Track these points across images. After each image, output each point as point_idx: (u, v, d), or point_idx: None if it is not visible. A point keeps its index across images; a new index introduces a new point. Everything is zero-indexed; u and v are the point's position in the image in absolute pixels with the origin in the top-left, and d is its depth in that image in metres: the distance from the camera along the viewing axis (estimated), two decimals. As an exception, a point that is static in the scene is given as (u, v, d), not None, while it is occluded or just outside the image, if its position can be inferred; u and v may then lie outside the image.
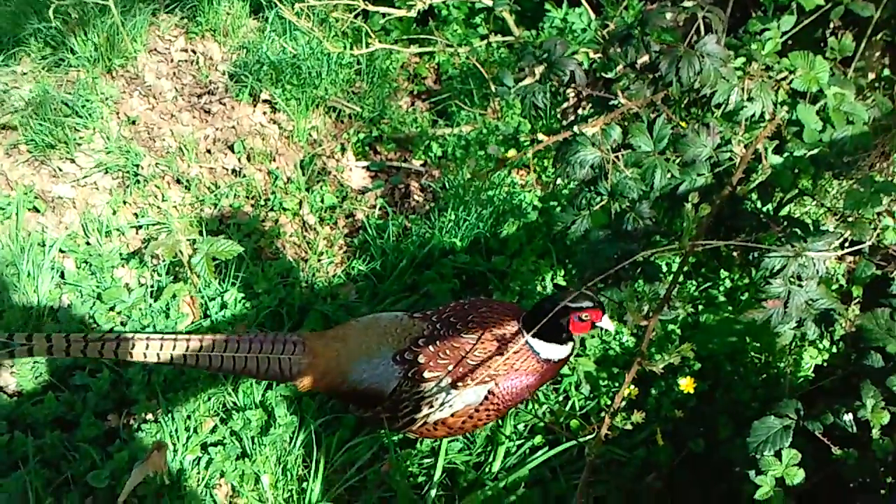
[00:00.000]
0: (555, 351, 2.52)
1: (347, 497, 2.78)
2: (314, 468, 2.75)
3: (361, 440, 2.87)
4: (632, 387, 2.81)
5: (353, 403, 2.65)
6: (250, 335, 2.60)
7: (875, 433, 2.07)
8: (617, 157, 2.39)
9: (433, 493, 2.74)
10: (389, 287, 3.41)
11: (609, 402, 2.91)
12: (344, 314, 3.27)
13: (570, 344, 2.56)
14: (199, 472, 2.79)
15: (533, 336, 2.47)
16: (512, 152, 2.71)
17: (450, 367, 2.49)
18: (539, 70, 2.60)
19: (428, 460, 2.83)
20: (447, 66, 4.63)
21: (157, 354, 2.43)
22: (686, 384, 2.75)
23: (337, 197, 3.93)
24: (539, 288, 3.31)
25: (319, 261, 3.63)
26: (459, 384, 2.48)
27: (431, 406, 2.50)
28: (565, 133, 2.46)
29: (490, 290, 3.33)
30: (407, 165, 4.18)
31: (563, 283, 3.29)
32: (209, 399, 2.96)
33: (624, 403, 2.65)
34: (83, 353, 2.38)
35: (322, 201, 3.89)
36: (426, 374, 2.50)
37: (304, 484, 2.77)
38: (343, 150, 4.23)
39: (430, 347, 2.51)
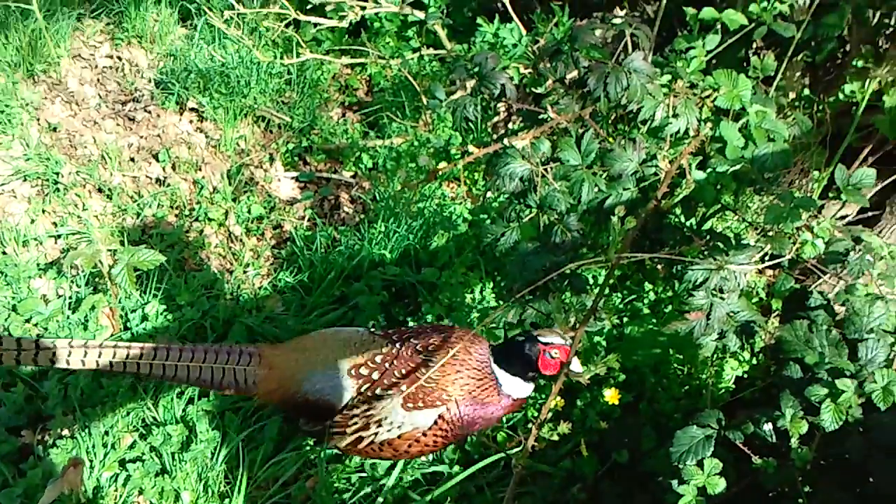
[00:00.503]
0: (518, 387, 2.51)
1: (272, 513, 2.72)
2: (237, 484, 2.68)
3: (286, 456, 2.81)
4: (558, 398, 2.83)
5: (305, 416, 2.61)
6: (205, 346, 2.57)
7: (794, 442, 2.13)
8: (546, 170, 2.41)
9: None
10: (317, 299, 3.37)
11: (536, 414, 2.93)
12: (270, 327, 3.22)
13: (532, 385, 2.55)
14: (116, 490, 2.70)
15: (499, 366, 2.48)
16: (443, 164, 2.72)
17: (403, 387, 2.47)
18: (470, 84, 2.61)
19: (355, 476, 2.79)
20: (379, 78, 4.62)
21: (110, 363, 2.39)
22: (611, 395, 2.78)
23: (265, 208, 3.88)
24: (468, 300, 3.31)
25: (245, 272, 3.56)
26: (410, 405, 2.46)
27: (380, 425, 2.48)
28: (496, 146, 2.47)
29: (419, 302, 3.31)
30: (337, 177, 4.15)
31: (493, 296, 3.29)
32: (128, 414, 2.87)
33: (550, 415, 2.67)
34: (34, 362, 2.33)
35: (249, 212, 3.83)
36: (378, 392, 2.48)
37: (227, 501, 2.70)
38: (272, 160, 4.17)
39: (387, 365, 2.48)
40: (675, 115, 2.58)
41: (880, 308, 2.29)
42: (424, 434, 2.49)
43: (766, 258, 2.30)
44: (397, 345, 2.54)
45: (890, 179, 3.56)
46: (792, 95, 3.54)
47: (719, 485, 2.10)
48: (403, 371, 2.49)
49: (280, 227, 3.85)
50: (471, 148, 2.48)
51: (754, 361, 3.14)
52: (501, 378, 2.48)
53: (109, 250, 3.12)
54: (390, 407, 2.47)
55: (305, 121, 4.30)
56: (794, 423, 2.13)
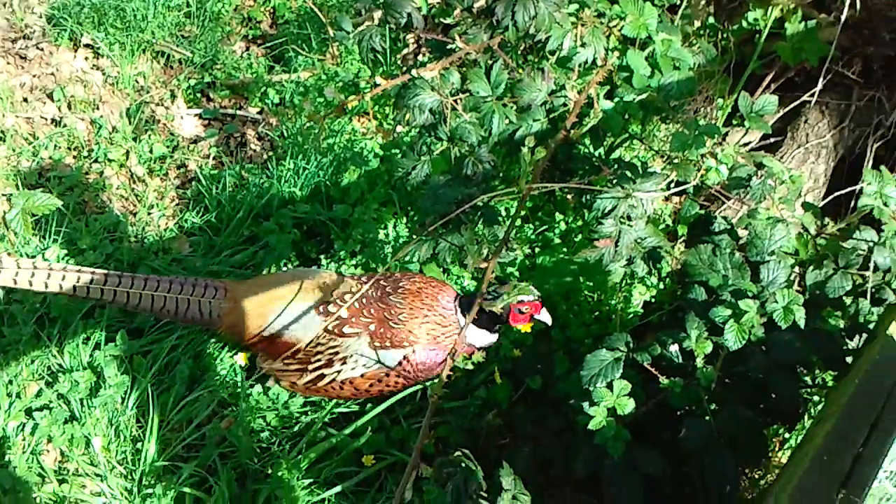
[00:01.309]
0: (482, 337, 2.55)
1: (186, 455, 2.68)
2: (149, 428, 2.64)
3: (199, 394, 2.77)
4: (473, 329, 2.86)
5: (267, 352, 2.62)
6: (171, 277, 2.60)
7: (699, 362, 2.20)
8: (456, 101, 2.39)
9: (276, 447, 2.69)
10: (226, 240, 3.29)
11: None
12: (177, 269, 3.14)
13: (496, 336, 2.59)
14: (24, 439, 2.62)
15: (465, 316, 2.48)
16: (352, 98, 2.67)
17: (371, 327, 2.49)
18: (377, 14, 2.55)
19: (271, 414, 2.77)
20: (283, 10, 4.46)
21: (73, 287, 2.44)
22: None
23: (167, 147, 3.74)
24: (382, 235, 3.29)
25: (150, 214, 3.45)
26: (377, 343, 2.48)
27: (344, 363, 2.49)
28: (404, 77, 2.43)
29: (332, 239, 3.27)
30: (242, 113, 4.02)
31: (406, 230, 3.27)
32: (33, 362, 2.77)
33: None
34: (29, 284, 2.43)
35: (151, 151, 3.68)
36: (346, 330, 2.49)
37: (139, 445, 2.65)
38: (173, 97, 4.01)
39: (356, 304, 2.49)
40: (583, 45, 2.58)
41: (781, 231, 2.37)
42: (387, 374, 2.52)
43: (672, 185, 2.34)
44: (366, 286, 2.55)
45: (791, 106, 3.67)
46: (697, 24, 3.59)
47: (628, 405, 2.17)
48: (372, 311, 2.51)
49: (185, 167, 3.72)
50: (379, 80, 2.43)
51: (661, 286, 3.22)
52: (469, 327, 2.48)
53: (4, 195, 2.97)
54: (357, 345, 2.49)
55: (207, 55, 4.13)
56: (699, 343, 2.21)
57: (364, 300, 2.53)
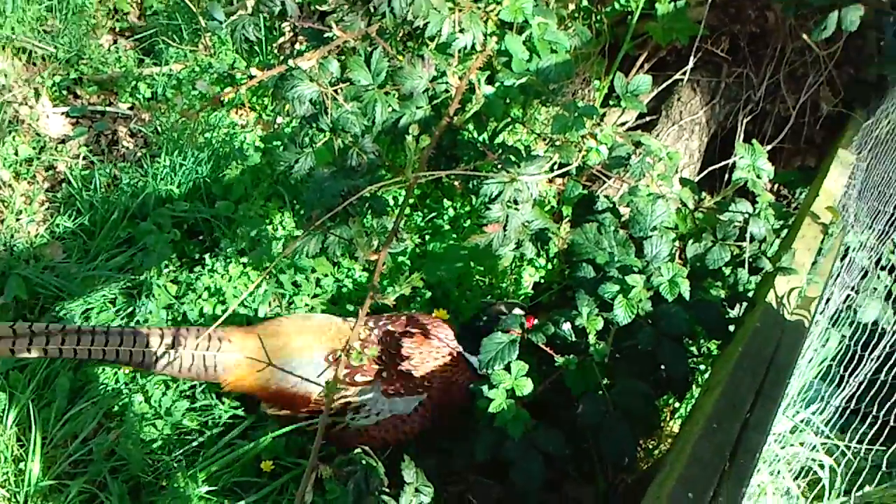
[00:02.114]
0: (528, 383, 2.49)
1: (73, 472, 2.55)
2: (31, 446, 2.49)
3: (82, 407, 2.63)
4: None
5: (279, 404, 2.50)
6: (167, 329, 2.42)
7: (591, 339, 2.25)
8: (336, 91, 2.34)
9: (170, 457, 2.59)
10: (101, 243, 3.13)
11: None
12: (50, 276, 2.97)
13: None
14: None
15: (466, 349, 2.48)
16: (228, 90, 2.58)
17: (384, 374, 2.43)
18: (251, 2, 2.47)
19: (161, 422, 2.66)
20: (152, 1, 4.29)
21: (59, 349, 2.23)
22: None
23: (33, 148, 3.53)
24: (270, 231, 3.21)
25: (18, 220, 3.25)
26: (391, 391, 2.42)
27: (358, 412, 2.42)
28: (280, 67, 2.37)
29: (216, 237, 3.17)
30: (113, 109, 3.84)
31: (293, 225, 3.20)
32: None
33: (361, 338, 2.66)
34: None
35: (16, 154, 3.47)
36: (358, 378, 2.42)
37: (22, 465, 2.50)
38: (37, 95, 3.79)
39: (366, 351, 2.39)
40: (462, 30, 2.57)
41: (661, 206, 2.43)
42: (404, 421, 2.46)
43: (556, 167, 2.37)
44: (375, 331, 2.50)
45: (664, 85, 3.78)
46: (571, 7, 3.64)
47: (527, 386, 2.19)
48: (383, 357, 2.46)
49: (53, 169, 3.53)
50: (254, 71, 2.35)
51: (550, 266, 3.27)
52: (473, 361, 2.48)
53: None
54: (370, 393, 2.43)
55: (72, 50, 3.93)
56: (590, 320, 2.25)
57: (373, 346, 2.49)
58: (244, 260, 3.04)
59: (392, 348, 2.49)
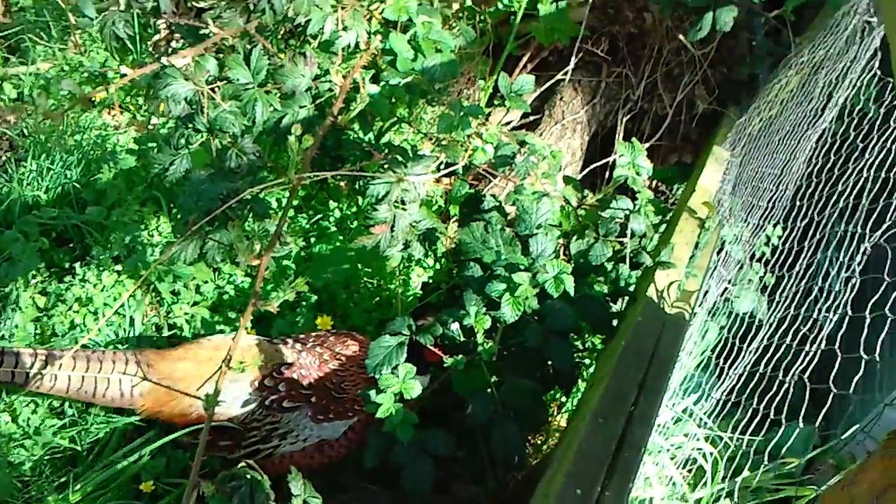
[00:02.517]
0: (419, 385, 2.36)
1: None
2: None
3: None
4: (249, 327, 2.75)
5: (198, 430, 2.32)
6: (79, 351, 2.29)
7: (479, 338, 2.24)
8: (213, 90, 2.26)
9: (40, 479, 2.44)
10: (-40, 255, 2.93)
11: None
12: None
13: (428, 377, 2.41)
14: None
15: None
16: (99, 90, 2.46)
17: (313, 399, 2.33)
18: (124, -1, 2.37)
19: (30, 441, 2.50)
20: (16, -4, 4.05)
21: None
22: (322, 322, 2.76)
23: None
24: (146, 237, 3.07)
25: None
26: (320, 416, 2.32)
27: (284, 438, 2.32)
28: (154, 65, 2.27)
29: (87, 245, 3.01)
30: (-27, 110, 3.61)
31: (170, 230, 3.07)
32: None
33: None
34: None
35: None
36: (286, 404, 2.32)
37: None
38: None
39: (294, 375, 2.34)
40: (345, 28, 2.53)
41: (546, 204, 2.45)
42: (330, 446, 2.37)
43: (442, 167, 2.36)
44: (302, 354, 2.41)
45: (547, 85, 3.83)
46: (455, 6, 3.64)
47: (415, 389, 2.16)
48: (312, 382, 2.36)
49: None
50: (126, 70, 2.24)
51: (438, 266, 3.26)
52: None
53: None
54: (298, 419, 2.34)
55: (-74, 47, 3.67)
56: (478, 319, 2.24)
57: (302, 371, 2.39)
58: (118, 268, 2.90)
59: (320, 371, 2.42)
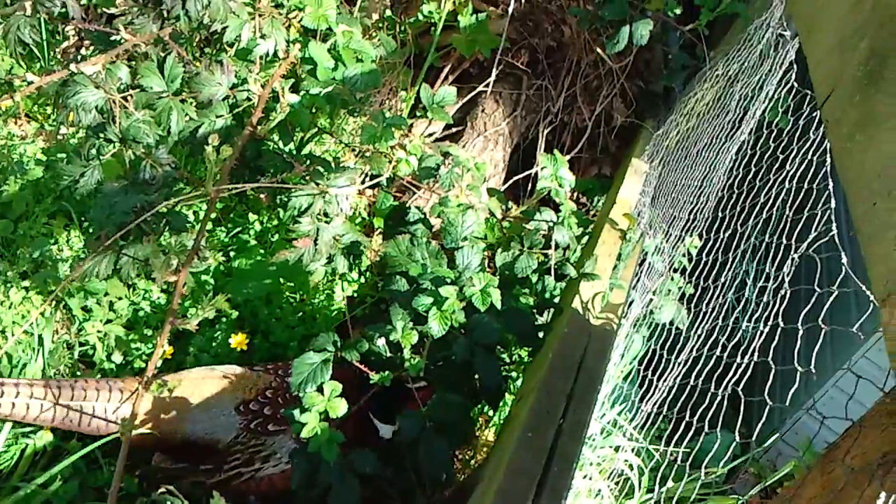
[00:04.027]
0: (384, 429, 2.36)
1: None
2: None
3: None
4: (167, 347, 2.65)
5: (179, 455, 2.32)
6: (63, 380, 2.21)
7: (406, 353, 2.20)
8: (126, 98, 2.17)
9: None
10: None
11: (143, 366, 2.70)
12: None
13: (393, 428, 2.36)
14: None
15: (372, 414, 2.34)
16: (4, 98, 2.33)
17: None
18: (29, 3, 2.26)
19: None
20: None
21: None
22: (238, 341, 2.68)
23: None
24: (55, 252, 2.93)
25: None
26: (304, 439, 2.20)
27: (267, 461, 2.25)
28: (62, 72, 2.16)
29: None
30: None
31: (81, 244, 2.94)
32: None
33: (160, 364, 2.49)
34: None
35: None
36: (270, 427, 2.26)
37: None
38: None
39: (280, 400, 2.28)
40: (263, 36, 2.47)
41: (471, 216, 2.44)
42: None
43: (366, 178, 2.32)
44: (286, 380, 2.33)
45: (469, 96, 3.83)
46: (375, 16, 3.61)
47: (341, 407, 2.11)
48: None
49: None
50: (32, 77, 2.13)
51: (363, 280, 3.21)
52: (381, 428, 2.36)
53: None
54: (282, 442, 2.27)
55: None
56: (404, 334, 2.20)
57: (287, 394, 2.33)
58: (26, 284, 2.76)
59: None
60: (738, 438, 1.49)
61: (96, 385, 2.28)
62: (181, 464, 2.36)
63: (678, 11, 3.39)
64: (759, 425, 1.83)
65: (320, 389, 2.12)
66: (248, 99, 2.41)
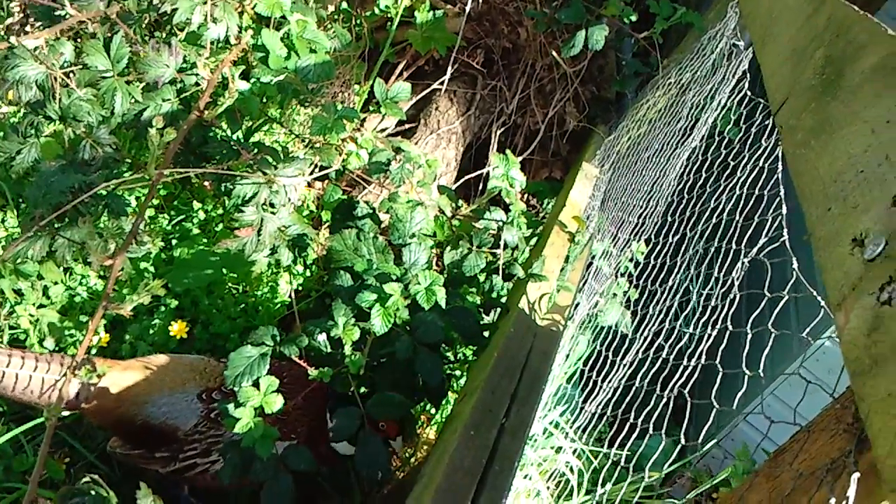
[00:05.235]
0: (345, 448, 2.27)
1: None
2: None
3: None
4: (101, 334, 2.57)
5: (136, 440, 2.24)
6: (30, 353, 2.12)
7: (347, 349, 2.16)
8: (68, 75, 2.09)
9: None
10: None
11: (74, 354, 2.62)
12: None
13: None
14: None
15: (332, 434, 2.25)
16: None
17: None
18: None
19: None
20: None
21: None
22: (178, 329, 2.62)
23: None
24: (-12, 234, 2.84)
25: None
26: None
27: (221, 454, 2.17)
28: (2, 44, 2.08)
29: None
30: None
31: (16, 224, 2.84)
32: None
33: (94, 352, 2.42)
34: None
35: None
36: None
37: None
38: None
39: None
40: (214, 21, 2.41)
41: (420, 213, 2.41)
42: None
43: (316, 170, 2.28)
44: None
45: (423, 94, 3.81)
46: (331, 7, 3.57)
47: (276, 402, 2.06)
48: None
49: None
50: (-34, 47, 2.05)
51: (308, 273, 3.16)
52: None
53: None
54: None
55: None
56: (346, 330, 2.16)
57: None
58: (-45, 265, 2.66)
59: None
60: (683, 441, 1.49)
61: (61, 360, 2.21)
62: (137, 450, 2.30)
63: (634, 18, 3.41)
64: (705, 429, 1.84)
65: (256, 384, 2.07)
66: (197, 84, 2.35)
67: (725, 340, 1.50)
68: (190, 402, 2.26)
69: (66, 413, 2.17)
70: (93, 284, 2.81)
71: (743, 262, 1.48)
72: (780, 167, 1.48)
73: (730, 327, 1.48)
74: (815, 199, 1.02)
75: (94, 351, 2.51)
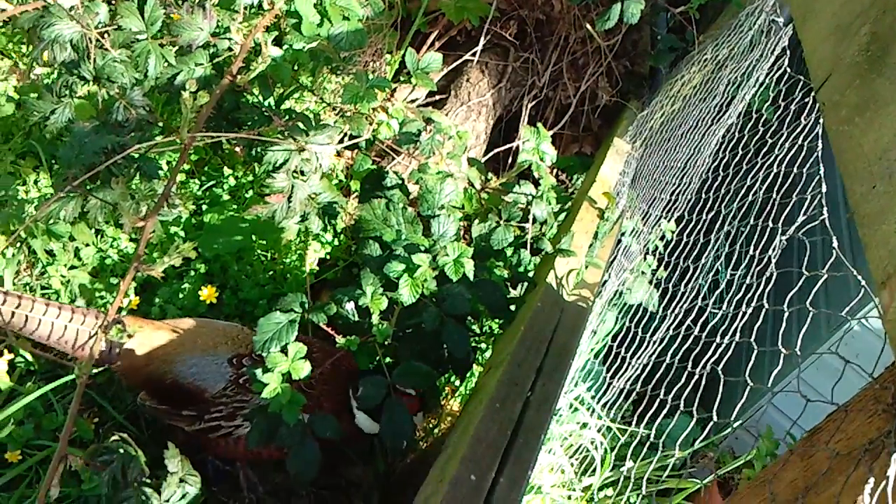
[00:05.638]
0: (369, 425, 2.29)
1: None
2: None
3: None
4: (132, 296, 2.59)
5: (164, 397, 2.28)
6: (67, 305, 2.21)
7: (375, 319, 2.17)
8: (103, 35, 2.09)
9: None
10: None
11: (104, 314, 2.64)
12: None
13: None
14: None
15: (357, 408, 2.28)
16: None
17: None
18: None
19: None
20: None
21: None
22: (207, 294, 2.64)
23: None
24: (22, 194, 2.85)
25: None
26: None
27: (246, 419, 2.20)
28: (37, 2, 2.08)
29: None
30: None
31: (49, 185, 2.86)
32: None
33: (125, 313, 2.44)
34: None
35: None
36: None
37: None
38: None
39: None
40: (249, -15, 2.40)
41: (450, 185, 2.40)
42: None
43: (346, 139, 2.27)
44: None
45: (454, 64, 3.78)
46: (365, -25, 3.53)
47: (304, 369, 2.07)
48: None
49: None
50: (3, 4, 2.05)
51: (336, 242, 3.17)
52: (359, 415, 2.30)
53: None
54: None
55: None
56: (374, 300, 2.16)
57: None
58: (-10, 223, 2.68)
59: None
60: (715, 418, 1.48)
61: (96, 314, 2.25)
62: (165, 405, 2.33)
63: (671, -7, 3.36)
64: (738, 406, 1.83)
65: (284, 350, 2.08)
66: (230, 49, 2.34)
67: (760, 319, 1.48)
68: (220, 365, 2.28)
69: (95, 371, 2.20)
70: (124, 247, 2.83)
71: (781, 241, 1.46)
72: (819, 145, 1.45)
73: (765, 305, 1.46)
74: (860, 177, 1.00)
75: (124, 313, 2.52)
